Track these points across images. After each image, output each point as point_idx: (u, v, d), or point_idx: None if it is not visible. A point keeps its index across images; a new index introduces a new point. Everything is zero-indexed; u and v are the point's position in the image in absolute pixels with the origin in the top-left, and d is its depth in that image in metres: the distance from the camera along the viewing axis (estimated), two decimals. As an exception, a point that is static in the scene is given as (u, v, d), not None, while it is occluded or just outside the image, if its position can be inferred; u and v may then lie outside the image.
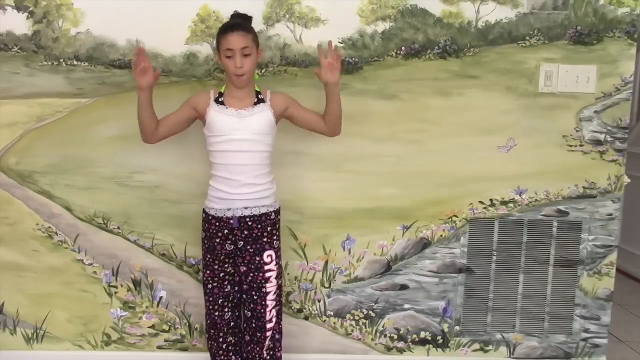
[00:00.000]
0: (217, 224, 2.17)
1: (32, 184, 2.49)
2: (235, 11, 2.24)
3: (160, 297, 2.56)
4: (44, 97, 2.44)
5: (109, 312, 2.56)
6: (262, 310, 2.17)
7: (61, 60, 2.42)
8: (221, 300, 2.22)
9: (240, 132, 2.11)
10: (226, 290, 2.22)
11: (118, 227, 2.52)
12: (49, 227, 2.51)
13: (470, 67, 2.47)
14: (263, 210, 2.16)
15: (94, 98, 2.44)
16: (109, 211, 2.51)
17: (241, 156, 2.12)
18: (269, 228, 2.18)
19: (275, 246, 2.21)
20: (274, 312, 2.19)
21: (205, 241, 2.21)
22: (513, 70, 2.48)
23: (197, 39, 2.41)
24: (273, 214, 2.19)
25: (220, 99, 2.16)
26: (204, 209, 2.22)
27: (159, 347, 2.59)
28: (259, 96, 2.18)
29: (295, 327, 2.57)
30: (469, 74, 2.47)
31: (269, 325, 2.18)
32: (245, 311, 2.22)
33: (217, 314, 2.22)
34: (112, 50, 2.42)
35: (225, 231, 2.16)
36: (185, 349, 2.59)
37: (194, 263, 2.54)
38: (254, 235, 2.16)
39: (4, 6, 2.38)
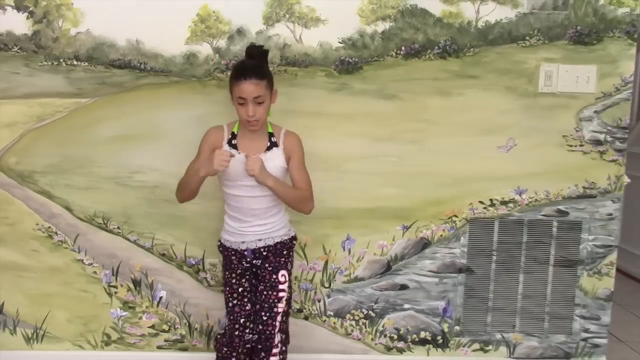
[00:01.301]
0: (232, 253, 2.18)
1: (32, 184, 2.49)
2: (251, 44, 2.18)
3: (160, 297, 2.56)
4: (44, 97, 2.44)
5: (109, 312, 2.56)
6: (272, 331, 2.11)
7: (61, 60, 2.42)
8: (243, 319, 2.15)
9: (252, 178, 2.04)
10: (247, 308, 2.16)
11: (118, 227, 2.52)
12: (49, 227, 2.51)
13: (470, 67, 2.47)
14: (277, 240, 2.16)
15: (94, 98, 2.44)
16: (109, 211, 2.51)
17: (252, 201, 2.10)
18: (284, 252, 2.18)
19: (289, 268, 2.19)
20: (280, 336, 2.13)
21: (224, 262, 2.22)
22: (513, 70, 2.48)
23: (197, 39, 2.41)
24: (287, 239, 2.19)
25: (233, 141, 2.12)
26: (219, 239, 2.23)
27: (159, 347, 2.59)
28: (272, 139, 2.13)
29: (295, 327, 2.55)
30: (469, 74, 2.47)
31: (274, 350, 2.12)
32: (254, 334, 2.14)
33: (237, 333, 2.14)
34: (112, 50, 2.42)
35: (239, 256, 2.17)
36: (185, 349, 2.59)
37: (194, 263, 2.55)
38: (269, 259, 2.16)
39: (4, 6, 2.38)
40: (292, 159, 2.13)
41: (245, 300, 2.17)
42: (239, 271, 2.17)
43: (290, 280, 2.19)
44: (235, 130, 2.14)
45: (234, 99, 2.05)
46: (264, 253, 2.15)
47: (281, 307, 2.13)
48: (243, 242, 2.15)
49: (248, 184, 2.07)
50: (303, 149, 2.17)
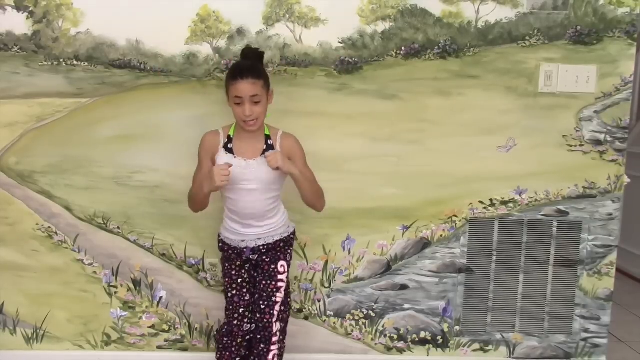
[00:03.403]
0: (231, 250, 2.19)
1: (32, 184, 2.49)
2: (247, 46, 2.18)
3: (160, 297, 2.56)
4: (44, 97, 2.44)
5: (109, 312, 2.56)
6: (270, 321, 2.13)
7: (61, 60, 2.42)
8: (242, 309, 2.17)
9: (249, 182, 2.07)
10: (246, 299, 2.18)
11: (118, 227, 2.52)
12: (49, 227, 2.51)
13: (470, 67, 2.47)
14: (277, 238, 2.17)
15: (94, 98, 2.44)
16: (109, 211, 2.51)
17: (250, 204, 2.10)
18: (282, 244, 2.18)
19: (288, 259, 2.20)
20: (279, 325, 2.15)
21: (223, 255, 2.23)
22: (513, 70, 2.48)
23: (197, 39, 2.41)
24: (286, 235, 2.20)
25: (229, 145, 2.11)
26: (219, 233, 2.23)
27: (159, 347, 2.59)
28: (269, 142, 2.11)
29: (295, 327, 2.56)
30: (469, 74, 2.47)
31: (274, 339, 2.14)
32: (253, 323, 2.17)
33: (236, 322, 2.17)
34: (112, 50, 2.42)
35: (238, 252, 2.18)
36: (185, 349, 2.59)
37: (194, 263, 2.55)
38: (269, 251, 2.17)
39: (4, 6, 2.38)
40: (295, 161, 2.12)
41: (245, 290, 2.18)
42: (238, 263, 2.18)
43: (288, 272, 2.19)
44: (231, 133, 2.13)
45: (230, 99, 2.04)
46: (263, 250, 2.15)
47: (279, 296, 2.14)
48: (243, 241, 2.15)
49: (246, 187, 2.07)
50: (302, 148, 2.17)
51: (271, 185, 2.10)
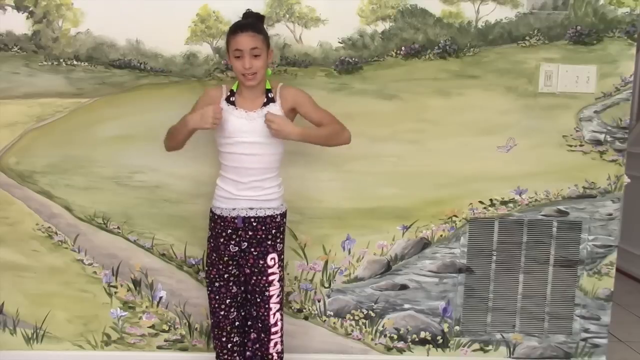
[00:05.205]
0: (222, 223, 2.15)
1: (32, 184, 2.49)
2: (248, 10, 2.19)
3: (160, 297, 2.56)
4: (44, 97, 2.44)
5: (109, 312, 2.56)
6: (266, 314, 2.14)
7: (61, 60, 2.42)
8: (229, 300, 2.19)
9: (249, 134, 2.07)
10: (233, 291, 2.19)
11: (118, 227, 2.52)
12: (49, 227, 2.52)
13: (470, 67, 2.47)
14: (269, 213, 2.14)
15: (94, 98, 2.44)
16: (109, 211, 2.51)
17: (250, 159, 2.09)
18: (273, 231, 2.15)
19: (279, 249, 2.18)
20: (278, 315, 2.16)
21: (211, 240, 2.20)
22: (513, 70, 2.48)
23: (197, 39, 2.41)
24: (279, 216, 2.17)
25: (231, 98, 2.14)
26: (210, 208, 2.21)
27: (159, 347, 2.59)
28: (269, 95, 2.13)
29: (295, 327, 2.57)
30: (469, 74, 2.47)
31: (274, 329, 2.15)
32: (252, 310, 2.18)
33: (222, 313, 2.19)
34: (112, 50, 2.42)
35: (229, 231, 2.14)
36: (185, 349, 2.59)
37: (194, 263, 2.55)
38: (258, 237, 2.13)
39: (4, 6, 2.38)
40: (303, 105, 2.14)
41: (231, 283, 2.18)
42: (225, 258, 2.16)
43: (282, 260, 2.18)
44: (234, 88, 2.16)
45: (231, 54, 2.06)
46: (254, 224, 2.12)
47: (273, 289, 2.14)
48: (234, 209, 2.12)
49: (247, 140, 2.07)
50: (307, 93, 2.18)
51: (271, 140, 2.08)
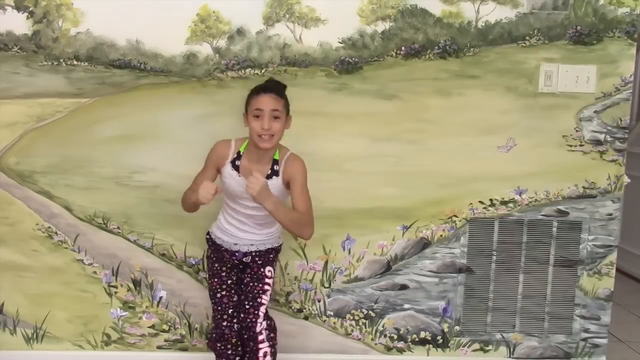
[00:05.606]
0: (223, 251, 2.21)
1: (32, 184, 2.49)
2: (271, 77, 2.23)
3: (160, 297, 2.56)
4: (44, 97, 2.44)
5: (109, 312, 2.56)
6: (254, 320, 2.15)
7: (61, 60, 2.42)
8: (231, 310, 2.21)
9: (248, 201, 2.08)
10: (234, 300, 2.21)
11: (118, 227, 2.52)
12: (49, 227, 2.51)
13: (470, 67, 2.47)
14: (268, 246, 2.21)
15: (94, 98, 2.44)
16: (109, 211, 2.51)
17: (249, 218, 2.15)
18: (272, 254, 2.24)
19: (273, 266, 2.24)
20: (264, 324, 2.17)
21: (212, 256, 2.26)
22: (513, 70, 2.48)
23: (197, 39, 2.41)
24: (277, 246, 2.26)
25: (236, 162, 2.12)
26: (209, 232, 2.25)
27: (159, 347, 2.59)
28: (275, 167, 2.11)
29: (295, 327, 2.57)
30: (469, 74, 2.47)
31: (260, 337, 2.15)
32: (241, 321, 2.19)
33: (225, 324, 2.20)
34: (112, 50, 2.42)
35: (229, 256, 2.21)
36: (185, 349, 2.59)
37: (194, 263, 2.55)
38: (257, 261, 2.20)
39: (4, 6, 2.38)
40: (294, 183, 2.10)
41: (233, 292, 2.22)
42: (229, 265, 2.21)
43: (273, 278, 2.24)
44: (241, 149, 2.13)
45: (250, 113, 2.05)
46: (254, 256, 2.20)
47: (265, 299, 2.18)
48: (236, 244, 2.19)
49: (247, 203, 2.10)
50: (306, 173, 2.13)
51: None
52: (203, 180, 2.07)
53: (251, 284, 2.19)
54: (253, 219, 2.15)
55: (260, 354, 2.14)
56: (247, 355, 2.18)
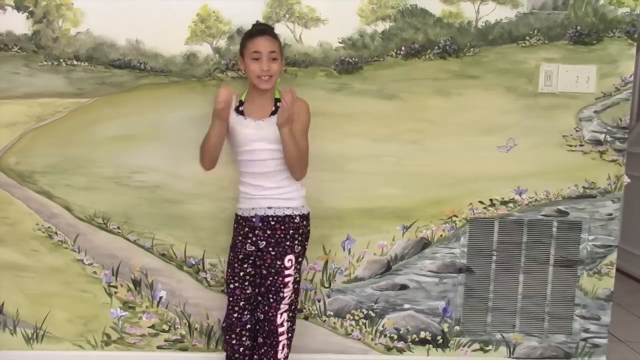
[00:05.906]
0: (243, 223, 2.19)
1: (32, 184, 2.49)
2: (257, 21, 2.25)
3: (160, 297, 2.56)
4: (44, 97, 2.44)
5: (109, 312, 2.56)
6: (275, 314, 2.15)
7: (61, 60, 2.42)
8: (243, 302, 2.21)
9: (259, 143, 2.10)
10: (247, 292, 2.21)
11: (118, 227, 2.52)
12: (49, 227, 2.51)
13: (470, 67, 2.47)
14: (287, 212, 2.15)
15: (94, 98, 2.44)
16: (109, 211, 2.51)
17: (262, 164, 2.12)
18: (291, 231, 2.15)
19: (297, 251, 2.17)
20: (285, 316, 2.16)
21: (232, 239, 2.24)
22: (513, 70, 2.48)
23: (197, 39, 2.41)
24: (298, 217, 2.17)
25: (240, 108, 2.16)
26: (235, 211, 2.24)
27: (159, 347, 2.59)
28: (278, 104, 2.12)
29: (295, 326, 2.56)
30: (469, 74, 2.47)
31: (280, 330, 2.16)
32: (259, 314, 2.19)
33: (236, 315, 2.20)
34: (112, 50, 2.42)
35: (246, 229, 2.17)
36: (185, 349, 2.59)
37: (194, 263, 2.54)
38: (277, 237, 2.14)
39: (4, 6, 2.38)
40: (296, 123, 2.09)
41: (247, 284, 2.21)
42: (240, 256, 2.19)
43: (299, 263, 2.20)
44: (242, 97, 2.18)
45: (247, 57, 2.09)
46: (272, 223, 2.14)
47: (287, 291, 2.16)
48: (253, 209, 2.16)
49: (257, 147, 2.11)
50: (309, 116, 2.17)
51: (281, 145, 2.08)
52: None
53: (270, 278, 2.15)
54: (265, 165, 2.11)
55: (280, 347, 2.15)
56: (264, 348, 2.17)
